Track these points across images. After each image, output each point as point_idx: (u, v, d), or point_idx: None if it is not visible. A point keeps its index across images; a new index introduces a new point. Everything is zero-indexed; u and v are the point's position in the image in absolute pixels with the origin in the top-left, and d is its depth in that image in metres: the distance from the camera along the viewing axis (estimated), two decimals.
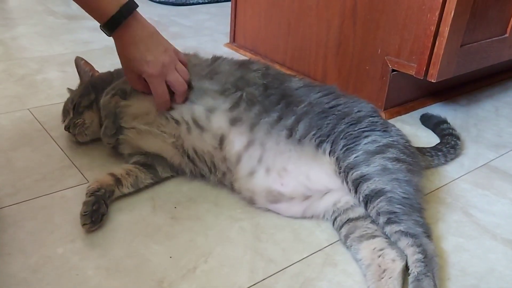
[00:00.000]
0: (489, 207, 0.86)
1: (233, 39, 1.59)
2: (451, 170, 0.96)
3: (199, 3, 2.17)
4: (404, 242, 0.68)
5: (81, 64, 1.00)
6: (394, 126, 0.85)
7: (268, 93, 0.84)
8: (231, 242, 0.73)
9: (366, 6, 1.12)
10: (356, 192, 0.74)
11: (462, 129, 1.13)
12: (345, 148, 0.76)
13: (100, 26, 0.79)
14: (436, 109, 1.23)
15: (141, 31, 0.80)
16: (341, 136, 0.78)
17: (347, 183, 0.75)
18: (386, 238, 0.71)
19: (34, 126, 1.01)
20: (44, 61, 1.37)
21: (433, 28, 0.99)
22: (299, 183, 0.78)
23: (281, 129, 0.80)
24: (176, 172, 0.87)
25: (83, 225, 0.71)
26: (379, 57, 1.12)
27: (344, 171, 0.75)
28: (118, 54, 0.83)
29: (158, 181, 0.85)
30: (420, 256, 0.65)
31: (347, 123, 0.80)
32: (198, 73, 0.87)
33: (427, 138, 1.08)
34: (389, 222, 0.70)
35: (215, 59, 0.92)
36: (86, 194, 0.75)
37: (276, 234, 0.76)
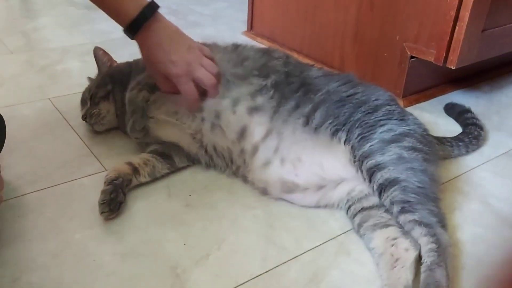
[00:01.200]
0: (508, 196, 0.84)
1: (251, 27, 1.58)
2: (470, 159, 0.94)
3: None
4: (417, 232, 0.67)
5: (99, 55, 1.02)
6: (411, 114, 0.83)
7: (288, 81, 0.84)
8: (245, 230, 0.74)
9: None
10: (370, 181, 0.73)
11: (484, 117, 1.10)
12: (360, 137, 0.76)
13: (123, 30, 0.78)
14: (457, 97, 1.20)
15: (164, 31, 0.79)
16: (356, 125, 0.77)
17: (361, 172, 0.74)
18: (400, 228, 0.70)
19: (55, 116, 1.03)
20: (65, 52, 1.39)
21: (452, 13, 0.97)
22: (313, 173, 0.78)
23: (298, 116, 0.80)
24: (192, 161, 0.88)
25: (102, 213, 0.73)
26: (397, 44, 1.10)
27: (359, 160, 0.75)
28: (142, 57, 0.82)
29: (174, 170, 0.86)
30: (433, 245, 0.65)
31: (364, 111, 0.79)
32: (221, 61, 0.87)
33: (446, 126, 1.06)
34: (403, 211, 0.69)
35: (236, 46, 0.93)
36: (104, 182, 0.77)
37: (289, 223, 0.76)
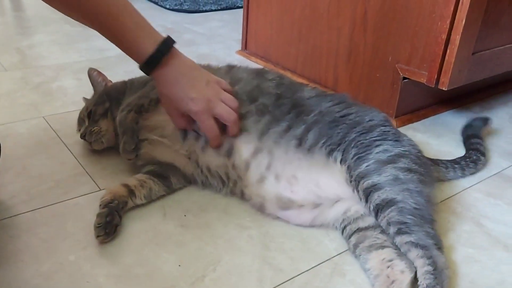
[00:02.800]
0: (501, 217, 0.85)
1: (245, 46, 1.60)
2: (462, 179, 0.95)
3: (212, 10, 2.19)
4: (414, 254, 0.68)
5: (94, 75, 1.02)
6: (406, 136, 0.84)
7: (279, 103, 0.85)
8: (240, 251, 0.74)
9: (376, 13, 1.12)
10: (367, 201, 0.74)
11: None
12: (356, 157, 0.77)
13: (139, 66, 0.78)
14: (449, 117, 1.22)
15: (181, 67, 0.78)
16: (352, 145, 0.78)
17: (357, 191, 0.75)
18: (396, 249, 0.70)
19: (49, 134, 1.03)
20: (60, 69, 1.39)
21: (444, 36, 0.99)
22: (309, 191, 0.79)
23: (290, 138, 0.81)
24: (189, 182, 0.88)
25: (97, 237, 0.72)
26: (390, 65, 1.12)
27: (355, 180, 0.75)
28: (159, 93, 0.82)
29: (171, 192, 0.86)
30: (430, 268, 0.65)
31: (358, 132, 0.80)
32: None
33: (438, 146, 1.08)
34: (399, 232, 0.69)
35: (230, 67, 0.93)
36: (100, 205, 0.76)
37: (284, 243, 0.76)
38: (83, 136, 0.93)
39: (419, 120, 1.19)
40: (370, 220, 0.75)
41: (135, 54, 0.77)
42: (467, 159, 0.96)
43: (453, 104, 1.28)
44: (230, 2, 2.30)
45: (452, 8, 0.96)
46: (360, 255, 0.72)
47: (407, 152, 0.78)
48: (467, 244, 0.78)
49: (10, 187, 0.84)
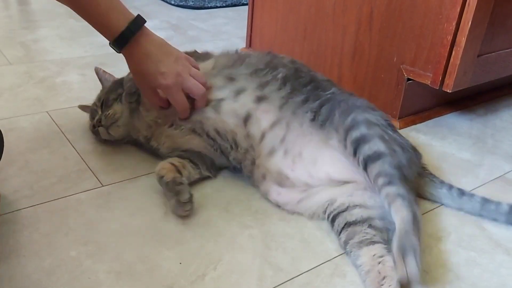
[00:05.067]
0: None
1: (250, 44, 1.60)
2: (465, 182, 0.95)
3: (217, 7, 2.19)
4: (399, 203, 0.71)
5: (100, 72, 1.04)
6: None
7: (298, 75, 0.88)
8: (241, 249, 0.74)
9: (382, 13, 1.11)
10: (355, 153, 0.77)
11: (478, 140, 1.12)
12: (343, 115, 0.80)
13: (110, 43, 0.80)
14: (452, 119, 1.22)
15: (151, 44, 0.81)
16: (346, 112, 0.82)
17: (346, 147, 0.78)
18: (385, 244, 0.72)
19: (52, 129, 1.03)
20: (64, 64, 1.40)
21: (449, 38, 0.98)
22: (306, 170, 0.81)
23: (306, 110, 0.84)
24: (215, 169, 0.90)
25: (186, 211, 0.77)
26: (394, 65, 1.12)
27: (344, 134, 0.78)
28: (131, 71, 0.84)
29: (202, 178, 0.88)
30: (410, 216, 0.69)
31: (359, 107, 0.83)
32: (226, 63, 0.91)
33: (441, 148, 1.07)
34: (388, 183, 0.73)
35: (236, 51, 0.98)
36: (168, 183, 0.78)
37: (285, 243, 0.76)
38: (97, 124, 0.93)
39: (423, 122, 1.19)
40: (356, 214, 0.76)
41: (106, 31, 0.79)
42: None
43: (457, 106, 1.27)
44: None
45: (458, 10, 0.96)
46: (351, 252, 0.73)
47: (400, 142, 0.81)
48: (468, 247, 0.78)
49: (12, 181, 0.85)
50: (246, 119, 0.84)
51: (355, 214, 0.76)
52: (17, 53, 1.45)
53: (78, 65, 1.40)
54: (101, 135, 0.94)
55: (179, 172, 0.83)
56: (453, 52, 1.00)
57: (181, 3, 2.15)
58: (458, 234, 0.81)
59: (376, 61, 1.16)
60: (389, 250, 0.70)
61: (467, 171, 0.99)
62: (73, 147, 0.97)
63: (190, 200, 0.77)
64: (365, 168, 0.76)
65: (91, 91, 1.20)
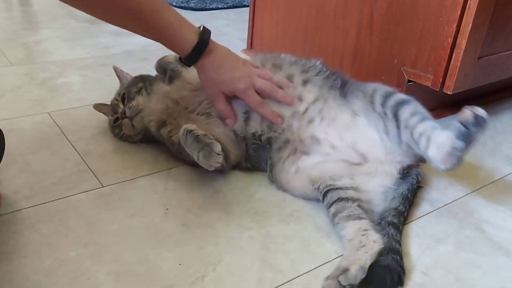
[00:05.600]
0: (503, 223, 0.85)
1: (251, 46, 1.60)
2: (465, 184, 0.95)
3: (218, 8, 2.19)
4: (438, 132, 0.76)
5: (119, 70, 1.07)
6: None
7: (325, 68, 0.95)
8: (240, 251, 0.74)
9: (383, 16, 1.11)
10: (394, 113, 0.82)
11: (478, 142, 1.11)
12: (384, 96, 0.85)
13: (180, 59, 0.83)
14: (453, 121, 1.21)
15: (221, 52, 0.85)
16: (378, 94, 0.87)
17: (385, 109, 0.83)
18: (371, 222, 0.75)
19: (53, 130, 1.03)
20: (66, 65, 1.40)
21: (450, 40, 0.99)
22: (337, 132, 0.86)
23: (336, 88, 0.91)
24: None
25: (218, 162, 0.77)
26: (395, 68, 1.12)
27: (383, 103, 0.84)
28: (201, 81, 0.87)
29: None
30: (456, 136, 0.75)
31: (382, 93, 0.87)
32: (263, 58, 0.97)
33: None
34: (423, 119, 0.78)
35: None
36: (205, 136, 0.78)
37: (285, 244, 0.76)
38: (123, 115, 0.94)
39: None
40: (351, 193, 0.80)
41: (179, 47, 0.82)
42: None
43: (457, 108, 1.25)
44: (236, 0, 2.30)
45: (459, 12, 0.96)
46: (338, 223, 0.76)
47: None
48: (468, 249, 0.78)
49: (13, 182, 0.85)
50: (298, 100, 0.89)
51: (350, 193, 0.80)
52: (19, 54, 1.46)
53: (79, 66, 1.40)
54: (124, 129, 0.96)
55: None
56: (454, 54, 1.00)
57: (183, 5, 2.15)
58: (458, 236, 0.81)
59: (377, 63, 1.16)
60: (374, 227, 0.74)
61: (467, 173, 0.99)
62: (73, 148, 0.97)
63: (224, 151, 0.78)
64: (395, 114, 0.81)
65: (92, 92, 1.21)
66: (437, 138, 0.76)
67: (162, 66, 0.95)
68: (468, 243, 0.79)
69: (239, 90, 0.85)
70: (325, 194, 0.81)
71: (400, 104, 0.82)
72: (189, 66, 0.85)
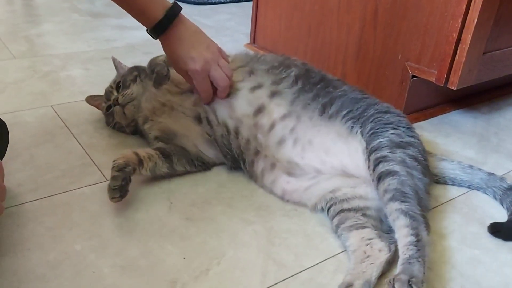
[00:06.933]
0: (507, 218, 0.85)
1: (253, 40, 1.60)
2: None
3: (220, 3, 2.18)
4: (401, 221, 0.69)
5: (117, 61, 1.08)
6: (415, 129, 0.87)
7: (309, 75, 0.91)
8: (244, 245, 0.74)
9: (387, 11, 1.11)
10: (374, 170, 0.77)
11: (482, 138, 1.11)
12: (371, 132, 0.81)
13: (147, 30, 0.84)
14: (456, 116, 1.21)
15: (185, 30, 0.85)
16: (370, 120, 0.83)
17: (369, 161, 0.78)
18: (376, 230, 0.73)
19: (57, 123, 1.03)
20: (68, 58, 1.40)
21: (455, 35, 0.98)
22: (317, 157, 0.83)
23: (316, 105, 0.86)
24: (194, 165, 0.90)
25: (112, 198, 0.75)
26: (399, 63, 1.11)
27: (369, 151, 0.79)
28: (166, 54, 0.88)
29: (172, 173, 0.87)
30: (413, 238, 0.66)
31: (377, 109, 0.85)
32: (244, 59, 0.96)
33: (445, 146, 1.07)
34: (393, 198, 0.72)
35: (248, 52, 1.02)
36: (113, 168, 0.77)
37: (289, 239, 0.76)
38: (115, 102, 0.95)
39: (427, 119, 1.19)
40: (354, 203, 0.78)
41: (145, 19, 0.83)
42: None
43: (461, 103, 1.27)
44: None
45: (464, 7, 0.95)
46: (341, 234, 0.75)
47: (416, 143, 0.82)
48: (472, 245, 0.78)
49: (17, 175, 0.85)
50: (259, 111, 0.86)
51: (353, 203, 0.78)
52: (21, 48, 1.45)
53: (81, 59, 1.40)
54: (115, 115, 0.96)
55: (141, 162, 0.82)
56: (458, 50, 0.99)
57: None
58: (462, 231, 0.80)
59: (381, 58, 1.16)
60: (379, 235, 0.72)
61: None
62: (77, 141, 0.97)
63: (122, 188, 0.76)
64: (378, 183, 0.76)
65: (95, 86, 1.21)
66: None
67: (151, 66, 0.93)
68: (472, 239, 0.79)
69: (190, 70, 0.85)
70: (329, 208, 0.80)
71: (386, 174, 0.75)
72: (155, 38, 0.84)
